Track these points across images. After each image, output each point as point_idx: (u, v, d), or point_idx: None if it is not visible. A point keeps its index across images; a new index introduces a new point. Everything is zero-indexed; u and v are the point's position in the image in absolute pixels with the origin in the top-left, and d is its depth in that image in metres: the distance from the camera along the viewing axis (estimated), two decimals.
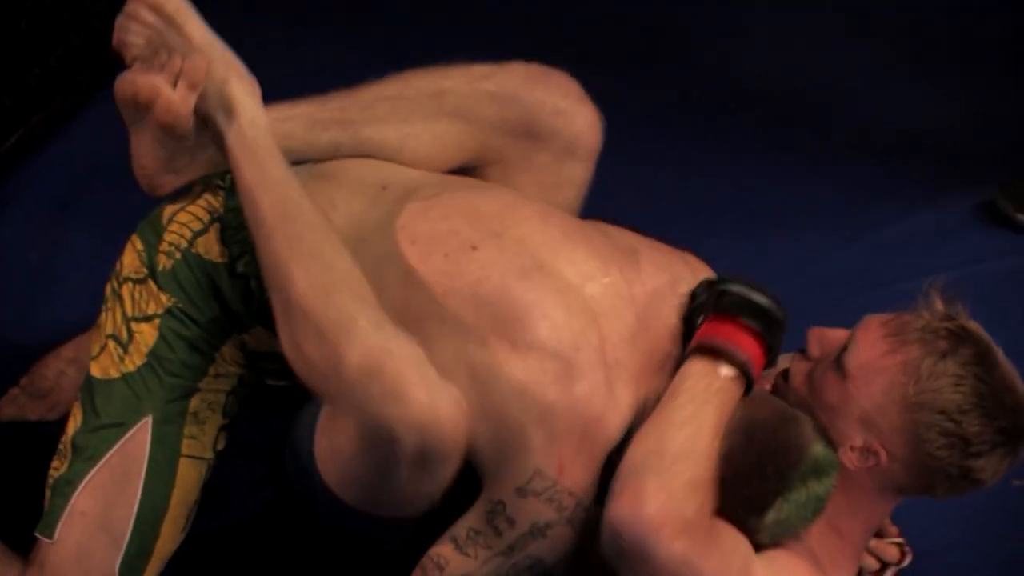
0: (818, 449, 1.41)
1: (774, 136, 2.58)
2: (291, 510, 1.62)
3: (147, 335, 1.56)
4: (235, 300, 1.56)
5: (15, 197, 2.25)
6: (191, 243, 1.57)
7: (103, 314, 1.60)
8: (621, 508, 1.33)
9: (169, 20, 1.45)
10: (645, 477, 1.33)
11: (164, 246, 1.58)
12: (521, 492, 1.39)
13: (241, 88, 1.45)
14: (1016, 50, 2.68)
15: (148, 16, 1.45)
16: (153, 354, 1.56)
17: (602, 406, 1.40)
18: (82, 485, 1.52)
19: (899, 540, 1.68)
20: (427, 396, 1.32)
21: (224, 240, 1.57)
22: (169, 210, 1.60)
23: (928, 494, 1.48)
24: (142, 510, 1.52)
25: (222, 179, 1.60)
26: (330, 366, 1.35)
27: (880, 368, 1.43)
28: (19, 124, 2.28)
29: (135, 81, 1.44)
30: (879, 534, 1.63)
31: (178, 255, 1.58)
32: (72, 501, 1.52)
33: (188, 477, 1.55)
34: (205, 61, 1.43)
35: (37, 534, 1.53)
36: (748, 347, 1.42)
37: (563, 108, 1.61)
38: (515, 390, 1.39)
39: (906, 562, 1.67)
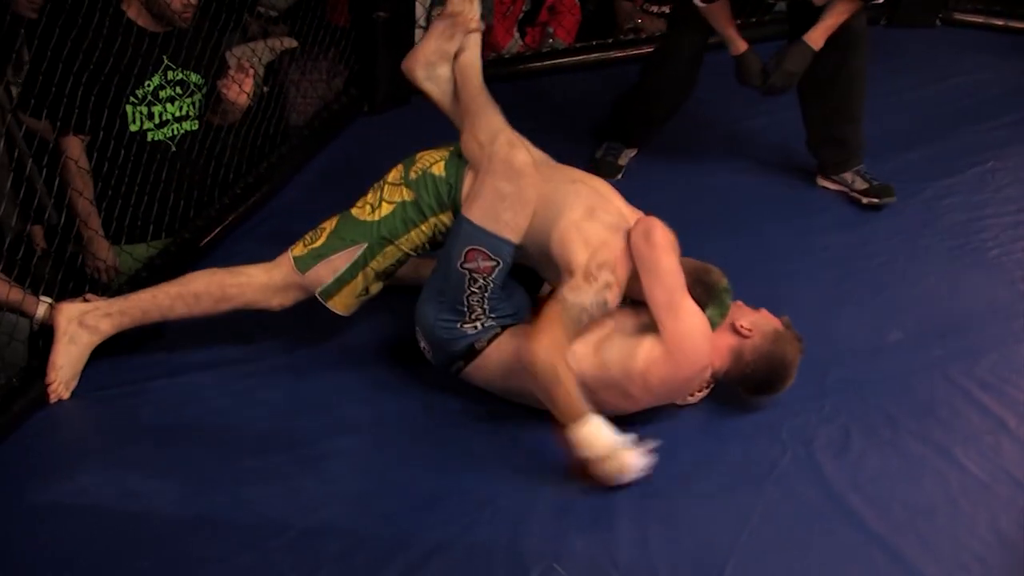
0: (723, 284, 2.75)
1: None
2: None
3: (386, 209, 2.78)
4: (444, 193, 2.76)
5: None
6: (428, 168, 2.79)
7: (369, 192, 2.84)
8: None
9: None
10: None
11: (415, 168, 2.81)
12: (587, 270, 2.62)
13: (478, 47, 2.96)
14: None
15: None
16: (383, 219, 2.78)
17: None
18: (327, 258, 2.78)
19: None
20: (529, 156, 2.69)
21: (446, 169, 2.78)
22: (418, 156, 2.84)
23: (737, 369, 2.75)
24: (343, 275, 2.78)
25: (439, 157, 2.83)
26: (486, 147, 2.72)
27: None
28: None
29: (459, 5, 2.95)
30: None
31: (421, 172, 2.79)
32: (320, 262, 2.79)
33: (366, 276, 2.79)
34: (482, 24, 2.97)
35: (296, 268, 2.80)
36: None
37: None
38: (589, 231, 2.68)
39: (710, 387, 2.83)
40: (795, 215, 3.67)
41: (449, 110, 2.99)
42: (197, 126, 3.35)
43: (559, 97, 4.34)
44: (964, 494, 2.66)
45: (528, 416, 2.78)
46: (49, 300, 2.85)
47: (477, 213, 2.68)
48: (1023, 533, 2.55)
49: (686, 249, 2.76)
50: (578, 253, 2.66)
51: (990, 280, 3.38)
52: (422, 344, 2.80)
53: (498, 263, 2.68)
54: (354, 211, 2.84)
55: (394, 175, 2.85)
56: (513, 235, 2.69)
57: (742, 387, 2.80)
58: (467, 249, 2.66)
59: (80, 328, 2.81)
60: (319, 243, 2.83)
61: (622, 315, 2.75)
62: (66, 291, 2.99)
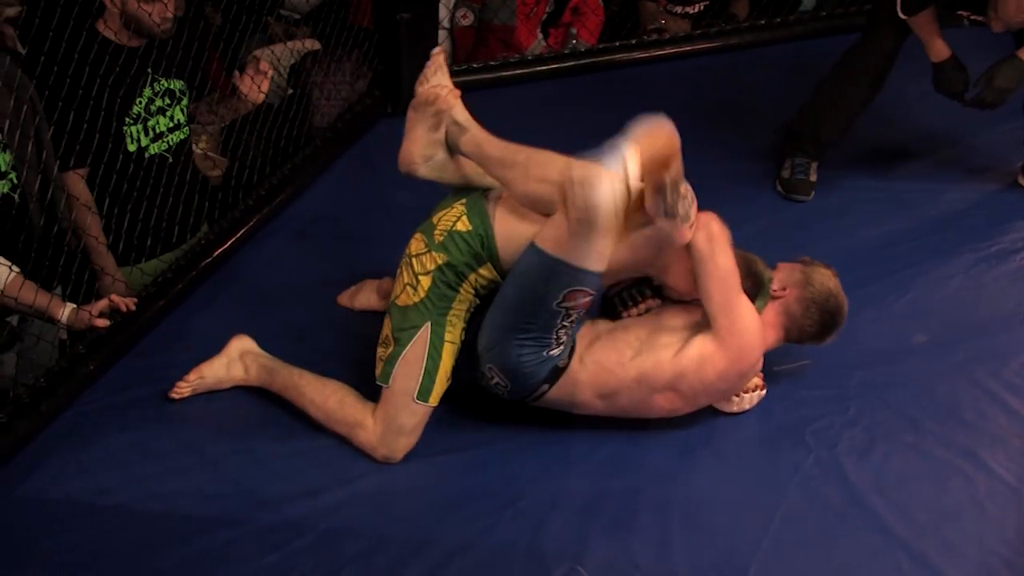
0: (766, 273, 2.75)
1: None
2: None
3: (425, 282, 2.65)
4: (477, 246, 2.62)
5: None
6: (452, 227, 2.65)
7: (399, 273, 2.68)
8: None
9: (439, 67, 2.83)
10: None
11: (437, 231, 2.66)
12: None
13: (465, 111, 2.79)
14: None
15: (431, 67, 2.82)
16: (429, 292, 2.65)
17: None
18: (401, 356, 2.64)
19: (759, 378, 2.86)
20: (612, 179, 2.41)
21: (471, 221, 2.64)
22: (436, 218, 2.70)
23: (795, 327, 2.75)
24: (427, 366, 2.64)
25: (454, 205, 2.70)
26: (564, 183, 2.44)
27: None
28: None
29: (431, 87, 2.78)
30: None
31: (446, 235, 2.65)
32: (397, 364, 2.65)
33: (449, 352, 2.67)
34: (456, 91, 2.80)
35: (380, 384, 2.66)
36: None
37: None
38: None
39: (764, 391, 2.85)
40: (818, 217, 3.65)
41: (464, 182, 2.84)
42: (187, 133, 3.32)
43: (582, 98, 4.33)
44: (991, 497, 2.65)
45: (551, 418, 2.78)
46: (74, 305, 2.85)
47: (574, 252, 2.50)
48: None
49: None
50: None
51: (1016, 282, 3.35)
52: (494, 381, 2.69)
53: (594, 296, 2.61)
54: (398, 301, 2.72)
55: (416, 246, 2.72)
56: (605, 266, 2.57)
57: (811, 340, 2.80)
58: (568, 291, 2.53)
59: (239, 362, 2.88)
60: (390, 349, 2.70)
61: (666, 315, 2.76)
62: (91, 294, 3.01)
